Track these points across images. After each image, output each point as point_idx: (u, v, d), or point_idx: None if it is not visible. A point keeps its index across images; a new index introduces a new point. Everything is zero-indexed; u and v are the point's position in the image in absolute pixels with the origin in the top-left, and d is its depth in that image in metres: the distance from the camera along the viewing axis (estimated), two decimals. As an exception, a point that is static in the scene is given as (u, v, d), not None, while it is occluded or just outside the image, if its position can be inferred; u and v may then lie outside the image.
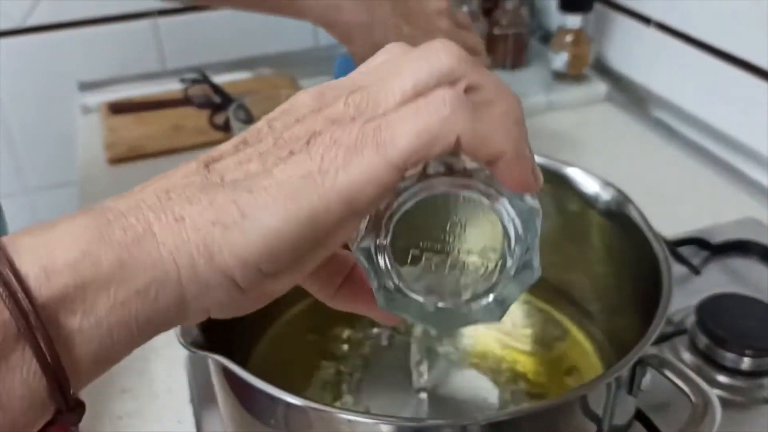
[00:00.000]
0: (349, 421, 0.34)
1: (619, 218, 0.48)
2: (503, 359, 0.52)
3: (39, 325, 0.22)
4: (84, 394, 0.56)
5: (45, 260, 0.23)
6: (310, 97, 0.27)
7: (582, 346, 0.53)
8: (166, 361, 0.58)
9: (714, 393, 0.37)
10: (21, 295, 0.22)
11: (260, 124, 0.27)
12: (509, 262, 0.28)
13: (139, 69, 1.05)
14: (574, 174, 0.50)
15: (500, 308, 0.28)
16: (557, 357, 0.52)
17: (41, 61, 1.02)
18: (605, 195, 0.49)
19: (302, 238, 0.25)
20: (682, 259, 0.63)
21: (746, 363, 0.53)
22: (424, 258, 0.28)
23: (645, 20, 0.91)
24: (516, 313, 0.56)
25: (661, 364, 0.38)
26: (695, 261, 0.65)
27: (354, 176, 0.24)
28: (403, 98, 0.25)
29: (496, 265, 0.28)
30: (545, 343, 0.53)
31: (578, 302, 0.54)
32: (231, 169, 0.25)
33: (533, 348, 0.53)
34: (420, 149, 0.24)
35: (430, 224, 0.27)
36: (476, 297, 0.28)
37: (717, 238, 0.67)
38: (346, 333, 0.55)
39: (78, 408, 0.25)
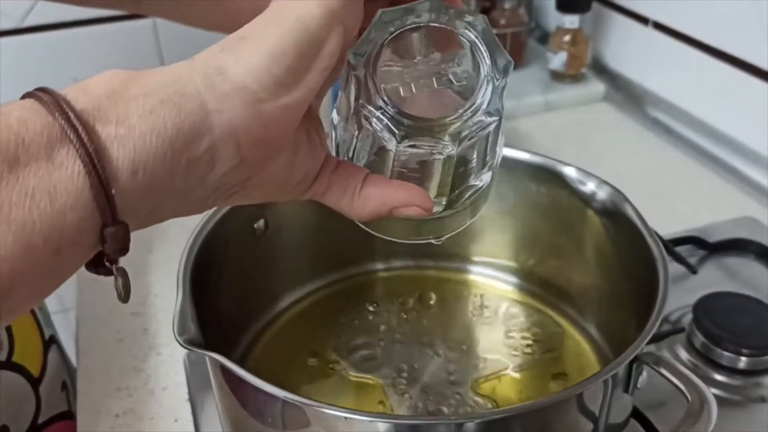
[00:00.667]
0: (345, 419, 0.34)
1: (616, 217, 0.48)
2: (498, 357, 0.52)
3: (80, 125, 0.24)
4: (82, 394, 0.56)
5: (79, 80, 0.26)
6: None
7: (579, 345, 0.53)
8: (164, 360, 0.58)
9: (710, 391, 0.37)
10: (63, 101, 0.24)
11: None
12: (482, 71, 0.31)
13: (138, 69, 1.05)
14: (571, 173, 0.50)
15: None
16: (552, 357, 0.52)
17: (40, 60, 1.02)
18: (602, 193, 0.49)
19: (300, 42, 0.27)
20: (679, 258, 0.63)
21: (743, 362, 0.54)
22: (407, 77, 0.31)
23: (643, 20, 0.91)
24: (512, 311, 0.56)
25: (657, 362, 0.38)
26: (692, 260, 0.65)
27: None
28: None
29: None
30: (541, 341, 0.53)
31: (575, 301, 0.54)
32: None
33: (528, 347, 0.53)
34: None
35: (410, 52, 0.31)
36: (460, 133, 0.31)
37: (714, 237, 0.68)
38: (345, 334, 0.55)
39: (121, 228, 0.26)
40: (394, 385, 0.50)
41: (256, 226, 0.52)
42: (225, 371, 0.39)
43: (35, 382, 0.55)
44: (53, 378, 0.58)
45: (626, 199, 0.48)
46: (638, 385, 0.39)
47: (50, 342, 0.60)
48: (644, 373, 0.39)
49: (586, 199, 0.50)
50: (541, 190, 0.52)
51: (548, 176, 0.51)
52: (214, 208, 0.46)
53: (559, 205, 0.51)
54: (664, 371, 0.38)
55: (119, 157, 0.25)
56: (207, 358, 0.40)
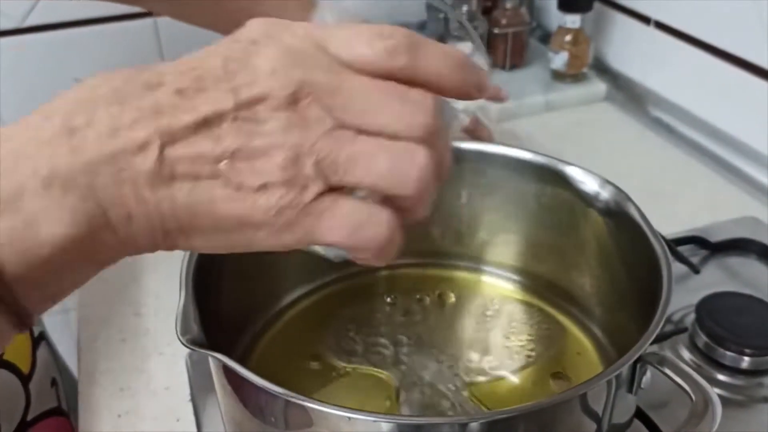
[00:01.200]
0: (349, 419, 0.34)
1: (619, 217, 0.48)
2: (501, 357, 0.52)
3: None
4: (83, 394, 0.56)
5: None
6: (283, 79, 0.26)
7: (581, 345, 0.53)
8: (165, 360, 0.58)
9: (714, 391, 0.37)
10: None
11: (221, 95, 0.26)
12: None
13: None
14: (574, 173, 0.50)
15: None
16: (554, 356, 0.52)
17: (40, 60, 1.01)
18: (605, 193, 0.49)
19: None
20: (681, 258, 0.63)
21: (746, 362, 0.53)
22: None
23: (644, 19, 0.91)
24: (515, 311, 0.56)
25: (660, 362, 0.38)
26: (694, 260, 0.65)
27: (283, 241, 0.28)
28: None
29: None
30: (543, 341, 0.53)
31: (578, 300, 0.54)
32: (183, 164, 0.26)
33: (531, 347, 0.53)
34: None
35: None
36: None
37: (716, 237, 0.67)
38: (347, 333, 0.55)
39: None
40: (397, 384, 0.50)
41: None
42: (227, 371, 0.39)
43: (25, 379, 0.55)
44: (42, 375, 0.58)
45: (629, 199, 0.48)
46: (642, 386, 0.39)
47: (39, 339, 0.60)
48: (648, 374, 0.39)
49: (589, 199, 0.49)
50: (544, 189, 0.52)
51: (551, 176, 0.51)
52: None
53: (562, 205, 0.51)
54: (668, 371, 0.38)
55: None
56: (210, 358, 0.40)
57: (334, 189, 0.27)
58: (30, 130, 0.26)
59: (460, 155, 0.54)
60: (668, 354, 0.38)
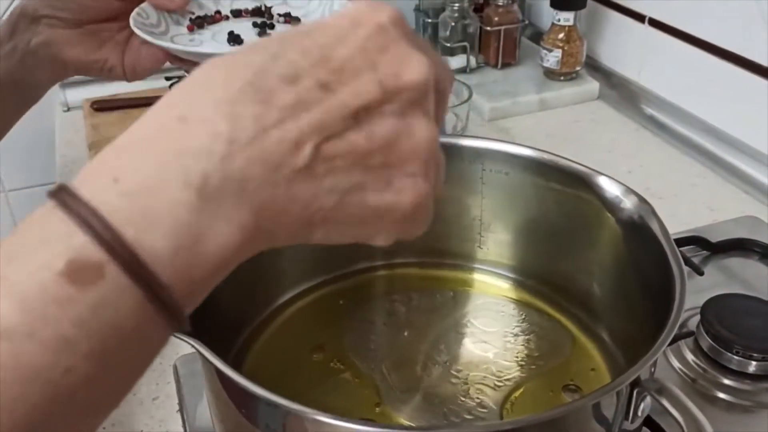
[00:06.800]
0: (348, 429, 0.32)
1: (638, 227, 0.46)
2: (505, 365, 0.50)
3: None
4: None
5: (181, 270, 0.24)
6: (425, 70, 0.27)
7: (589, 352, 0.51)
8: (154, 369, 0.56)
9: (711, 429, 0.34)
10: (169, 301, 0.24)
11: (368, 87, 0.26)
12: None
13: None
14: (596, 179, 0.49)
15: None
16: (562, 364, 0.50)
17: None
18: (627, 202, 0.47)
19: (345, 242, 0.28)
20: (684, 260, 0.61)
21: (753, 366, 0.52)
22: None
23: (638, 17, 0.90)
24: (521, 314, 0.54)
25: (659, 391, 0.35)
26: (695, 260, 0.63)
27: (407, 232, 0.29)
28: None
29: None
30: (551, 348, 0.51)
31: (587, 307, 0.52)
32: (338, 159, 0.26)
33: (537, 352, 0.51)
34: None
35: None
36: None
37: (716, 237, 0.66)
38: (344, 332, 0.53)
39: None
40: (394, 388, 0.48)
41: None
42: (221, 376, 0.37)
43: None
44: None
45: (653, 212, 0.46)
46: (639, 413, 0.37)
47: None
48: (648, 400, 0.37)
49: (610, 206, 0.48)
50: (565, 192, 0.50)
51: (573, 180, 0.50)
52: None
53: (580, 210, 0.50)
54: (665, 402, 0.35)
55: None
56: (202, 362, 0.38)
57: None
58: (168, 135, 0.24)
59: (481, 153, 0.53)
60: (668, 384, 0.36)
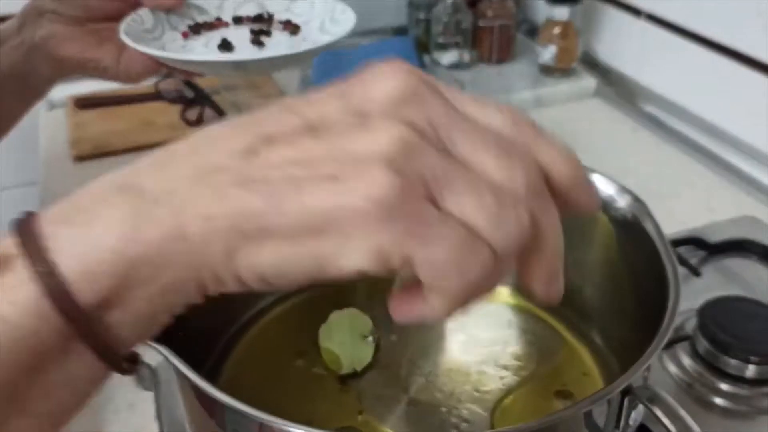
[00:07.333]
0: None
1: (632, 227, 0.44)
2: (495, 371, 0.49)
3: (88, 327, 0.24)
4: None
5: (86, 264, 0.24)
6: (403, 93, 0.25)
7: (581, 358, 0.49)
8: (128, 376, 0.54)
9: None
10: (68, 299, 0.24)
11: (332, 108, 0.25)
12: None
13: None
14: (591, 178, 0.47)
15: None
16: (553, 369, 0.48)
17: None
18: (621, 201, 0.45)
19: (310, 271, 0.25)
20: (680, 260, 0.59)
21: (751, 370, 0.51)
22: None
23: (635, 12, 0.88)
24: (510, 317, 0.52)
25: (651, 399, 0.33)
26: (692, 261, 0.62)
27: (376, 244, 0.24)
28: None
29: None
30: (542, 353, 0.50)
31: (578, 310, 0.50)
32: (275, 167, 0.24)
33: (528, 359, 0.49)
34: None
35: None
36: None
37: (714, 238, 0.65)
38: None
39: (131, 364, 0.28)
40: (378, 395, 0.46)
41: None
42: (188, 381, 0.35)
43: None
44: None
45: (648, 212, 0.44)
46: (630, 423, 0.35)
47: None
48: (640, 408, 0.35)
49: (603, 205, 0.46)
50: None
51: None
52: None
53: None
54: (658, 412, 0.33)
55: (122, 334, 0.26)
56: (174, 371, 0.36)
57: None
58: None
59: None
60: (662, 392, 0.34)
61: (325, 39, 0.57)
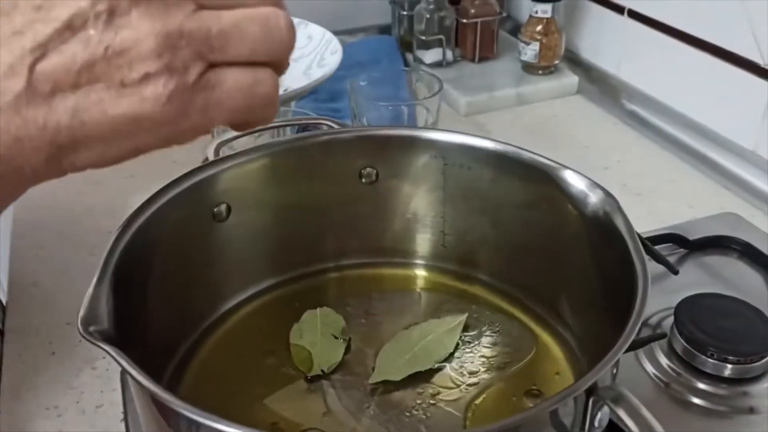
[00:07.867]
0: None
1: (603, 223, 0.43)
2: (467, 369, 0.48)
3: None
4: (5, 413, 0.51)
5: None
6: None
7: (554, 356, 0.48)
8: (99, 375, 0.53)
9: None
10: None
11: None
12: None
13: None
14: (560, 172, 0.46)
15: None
16: (525, 368, 0.48)
17: None
18: (593, 197, 0.44)
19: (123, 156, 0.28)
20: (658, 258, 0.58)
21: (729, 369, 0.50)
22: None
23: (618, 9, 0.88)
24: (481, 314, 0.52)
25: (615, 400, 0.32)
26: (672, 259, 0.61)
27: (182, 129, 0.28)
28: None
29: None
30: (515, 351, 0.49)
31: (552, 308, 0.50)
32: (59, 75, 0.25)
33: (501, 358, 0.48)
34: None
35: None
36: None
37: (695, 235, 0.64)
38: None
39: None
40: (346, 395, 0.45)
41: (216, 210, 0.48)
42: (137, 383, 0.34)
43: None
44: None
45: (619, 208, 0.43)
46: (596, 424, 0.34)
47: None
48: (606, 409, 0.34)
49: (575, 201, 0.45)
50: (529, 186, 0.48)
51: (535, 174, 0.47)
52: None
53: (545, 205, 0.47)
54: (621, 413, 0.32)
55: None
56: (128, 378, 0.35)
57: (215, 66, 0.27)
58: None
59: (441, 147, 0.50)
60: (626, 392, 0.33)
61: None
